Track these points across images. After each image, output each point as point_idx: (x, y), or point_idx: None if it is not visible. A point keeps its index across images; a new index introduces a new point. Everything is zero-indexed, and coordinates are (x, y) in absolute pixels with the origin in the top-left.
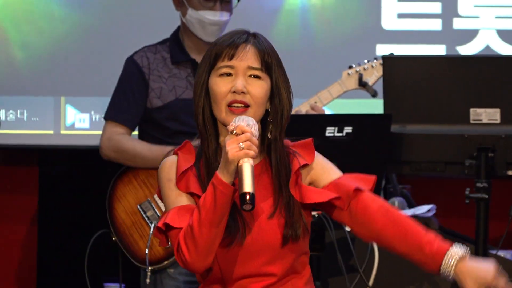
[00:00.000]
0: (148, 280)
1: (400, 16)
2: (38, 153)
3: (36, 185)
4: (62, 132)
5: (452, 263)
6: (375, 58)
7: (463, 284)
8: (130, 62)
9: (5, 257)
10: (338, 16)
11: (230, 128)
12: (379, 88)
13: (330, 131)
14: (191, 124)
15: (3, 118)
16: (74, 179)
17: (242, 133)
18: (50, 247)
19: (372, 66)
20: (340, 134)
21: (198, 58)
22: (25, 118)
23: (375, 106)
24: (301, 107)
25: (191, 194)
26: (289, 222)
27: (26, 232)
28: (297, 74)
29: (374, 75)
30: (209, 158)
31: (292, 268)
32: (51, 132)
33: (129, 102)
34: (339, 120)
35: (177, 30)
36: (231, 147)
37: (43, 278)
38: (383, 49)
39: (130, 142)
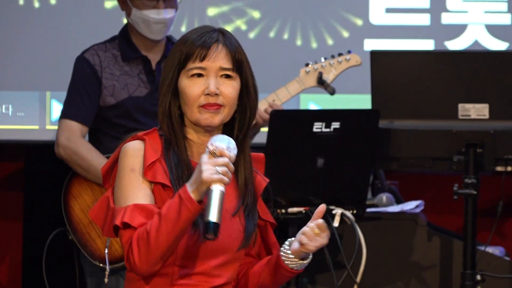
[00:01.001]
0: (106, 280)
1: (388, 10)
2: (23, 148)
3: (22, 181)
4: (48, 127)
5: (287, 252)
6: (332, 56)
7: (307, 249)
8: (82, 61)
9: None
10: (325, 10)
11: (211, 148)
12: (337, 86)
13: (318, 127)
14: (143, 122)
15: None
16: (60, 174)
17: (221, 156)
18: (36, 243)
19: (330, 64)
20: (327, 130)
21: (149, 55)
22: (10, 113)
23: (363, 101)
24: (259, 104)
25: (157, 183)
26: (247, 228)
27: (11, 228)
28: (286, 69)
29: (332, 73)
30: (179, 154)
31: (234, 273)
32: (36, 127)
33: (84, 100)
34: (326, 115)
35: (125, 27)
36: (207, 167)
37: (28, 274)
38: (371, 44)
39: (89, 152)
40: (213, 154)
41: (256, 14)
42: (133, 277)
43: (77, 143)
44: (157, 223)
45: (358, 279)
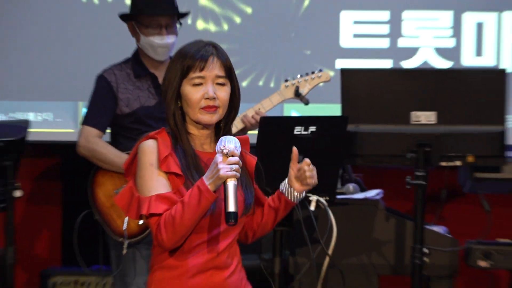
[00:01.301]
0: (124, 251)
1: (355, 36)
2: (61, 147)
3: (60, 173)
4: None
5: (288, 188)
6: (307, 73)
7: (303, 186)
8: (101, 79)
9: (36, 232)
10: (304, 36)
11: (225, 151)
12: (314, 96)
13: (298, 130)
14: (152, 126)
15: (33, 119)
16: (89, 168)
17: (232, 156)
18: (72, 223)
19: (305, 80)
20: (306, 132)
21: (156, 72)
22: (51, 119)
23: (334, 109)
24: (248, 111)
25: (171, 173)
26: (247, 199)
27: (52, 210)
28: (273, 83)
29: (306, 87)
30: (184, 148)
31: (238, 234)
32: (72, 130)
33: (101, 111)
34: (305, 121)
35: (136, 51)
36: (223, 166)
37: (66, 246)
38: (341, 63)
39: (105, 147)
40: (226, 155)
41: (248, 10)
42: (159, 248)
43: (94, 142)
44: (180, 209)
45: (330, 252)
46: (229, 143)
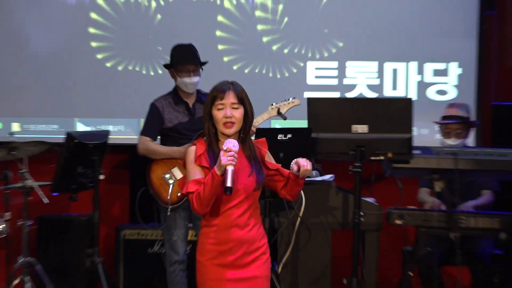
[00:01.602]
0: (168, 213)
1: (316, 77)
2: (129, 148)
3: (128, 164)
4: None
5: (298, 173)
6: (285, 100)
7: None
8: (153, 105)
9: (113, 201)
10: (282, 77)
11: (224, 147)
12: (290, 115)
13: (280, 136)
14: (186, 134)
15: (112, 129)
16: (146, 161)
17: (230, 151)
18: (135, 195)
19: (284, 104)
20: (285, 138)
21: (187, 100)
22: (123, 130)
23: (303, 123)
24: None
25: (203, 167)
26: (258, 179)
27: (123, 188)
28: (265, 70)
29: (285, 109)
30: (214, 150)
31: (255, 204)
32: (136, 137)
33: (152, 125)
34: (284, 130)
35: (175, 87)
36: (224, 158)
37: (131, 213)
38: (307, 94)
39: (155, 145)
40: (226, 151)
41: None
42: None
43: (147, 143)
44: (203, 188)
45: (300, 214)
46: (228, 143)
